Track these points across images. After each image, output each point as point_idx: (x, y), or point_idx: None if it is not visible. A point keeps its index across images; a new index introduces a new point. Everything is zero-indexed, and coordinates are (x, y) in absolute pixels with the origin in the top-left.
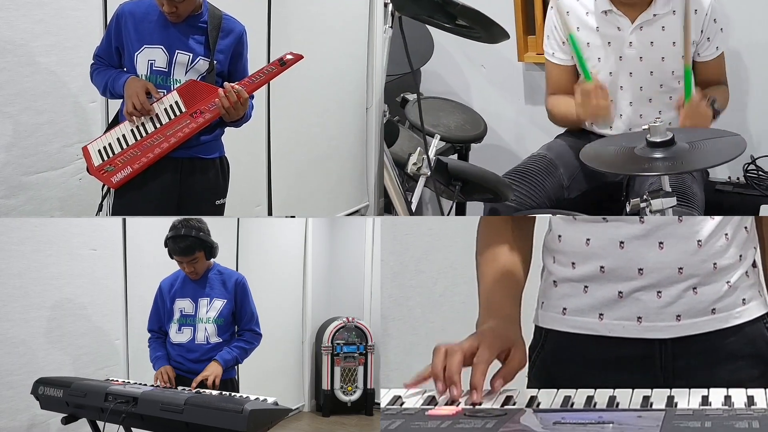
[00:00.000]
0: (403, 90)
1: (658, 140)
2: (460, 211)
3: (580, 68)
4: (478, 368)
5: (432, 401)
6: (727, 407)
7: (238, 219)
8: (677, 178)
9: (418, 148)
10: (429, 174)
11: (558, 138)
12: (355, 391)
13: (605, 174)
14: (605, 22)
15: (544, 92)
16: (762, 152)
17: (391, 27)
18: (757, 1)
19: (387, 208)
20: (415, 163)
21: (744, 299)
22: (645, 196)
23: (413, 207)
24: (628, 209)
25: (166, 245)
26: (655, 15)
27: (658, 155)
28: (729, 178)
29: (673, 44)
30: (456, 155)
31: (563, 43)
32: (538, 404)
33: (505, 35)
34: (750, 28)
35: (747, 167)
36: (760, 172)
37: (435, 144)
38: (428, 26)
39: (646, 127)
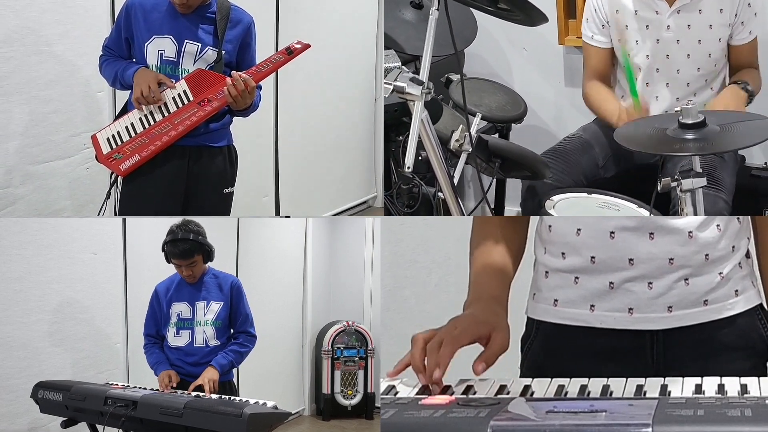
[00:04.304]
0: (447, 70)
1: (690, 122)
2: (500, 189)
3: (629, 90)
4: (446, 347)
5: (426, 390)
6: (720, 395)
7: (238, 219)
8: (706, 162)
9: (461, 126)
10: (470, 151)
11: (595, 121)
12: (355, 395)
13: (639, 155)
14: (643, 5)
15: (582, 75)
16: None
17: (438, 9)
18: None
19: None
20: (457, 140)
21: (737, 290)
22: (676, 176)
23: (455, 181)
24: (659, 188)
25: (163, 249)
26: None
27: (689, 136)
28: (765, 163)
29: (710, 27)
30: (497, 135)
31: (603, 26)
32: (532, 393)
33: (544, 18)
34: None
35: None
36: None
37: (476, 122)
38: (472, 10)
39: (678, 109)
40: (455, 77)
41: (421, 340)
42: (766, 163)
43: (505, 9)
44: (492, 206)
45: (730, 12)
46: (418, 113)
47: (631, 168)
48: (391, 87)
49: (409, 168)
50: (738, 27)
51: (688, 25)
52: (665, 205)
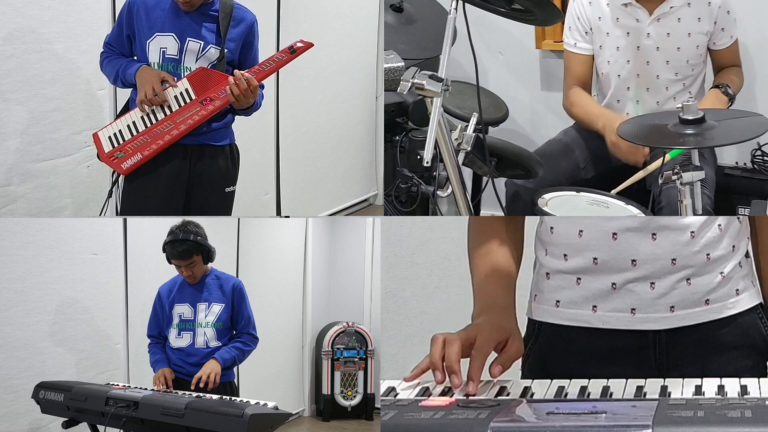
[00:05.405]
0: None
1: (691, 118)
2: (476, 190)
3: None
4: (476, 360)
5: (426, 392)
6: (720, 396)
7: (239, 219)
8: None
9: (459, 125)
10: (468, 150)
11: (574, 125)
12: (355, 396)
13: (617, 158)
14: (625, 13)
15: (563, 77)
16: (766, 140)
17: (456, 9)
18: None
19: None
20: (456, 139)
21: (737, 290)
22: (676, 169)
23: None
24: (660, 181)
25: (164, 250)
26: (671, 7)
27: (689, 131)
28: (736, 163)
29: (688, 35)
30: None
31: (586, 33)
32: (532, 395)
33: (559, 16)
34: (760, 22)
35: (754, 153)
36: (765, 158)
37: (473, 123)
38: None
39: (679, 106)
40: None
41: (441, 341)
42: (737, 163)
43: (518, 9)
44: (503, 207)
45: (708, 20)
46: (437, 109)
47: (610, 169)
48: (410, 84)
49: (427, 163)
50: (719, 33)
51: (668, 33)
52: (645, 202)
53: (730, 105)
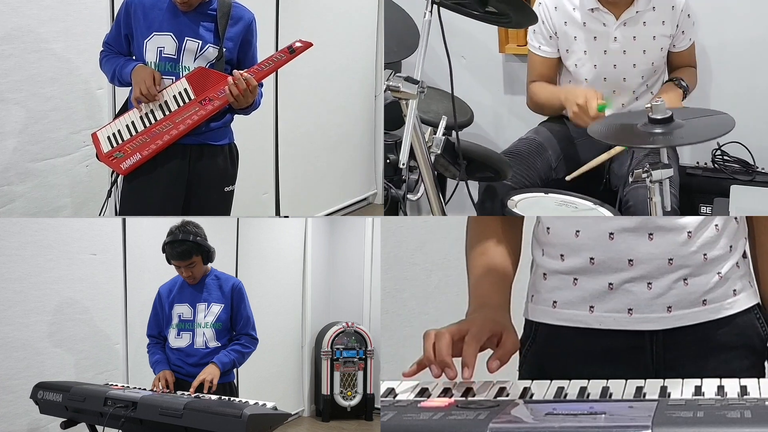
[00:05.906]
0: None
1: (659, 117)
2: (441, 190)
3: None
4: (469, 346)
5: (425, 393)
6: (719, 397)
7: (238, 219)
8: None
9: (429, 128)
10: (438, 153)
11: (542, 125)
12: (354, 396)
13: (588, 157)
14: (591, 18)
15: (526, 79)
16: (725, 140)
17: (431, 12)
18: (721, 3)
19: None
20: (426, 142)
21: (735, 290)
22: (646, 168)
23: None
24: (630, 179)
25: (163, 250)
26: (637, 12)
27: (658, 130)
28: (697, 163)
29: (654, 38)
30: None
31: (550, 37)
32: (531, 395)
33: (534, 19)
34: (719, 26)
35: (714, 153)
36: (725, 158)
37: (443, 126)
38: (414, 18)
39: (648, 106)
40: None
41: (432, 335)
42: (698, 163)
43: (492, 12)
44: (475, 205)
45: (671, 24)
46: (412, 111)
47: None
48: (384, 86)
49: (403, 164)
50: (679, 36)
51: (634, 37)
52: (611, 202)
53: (685, 97)
